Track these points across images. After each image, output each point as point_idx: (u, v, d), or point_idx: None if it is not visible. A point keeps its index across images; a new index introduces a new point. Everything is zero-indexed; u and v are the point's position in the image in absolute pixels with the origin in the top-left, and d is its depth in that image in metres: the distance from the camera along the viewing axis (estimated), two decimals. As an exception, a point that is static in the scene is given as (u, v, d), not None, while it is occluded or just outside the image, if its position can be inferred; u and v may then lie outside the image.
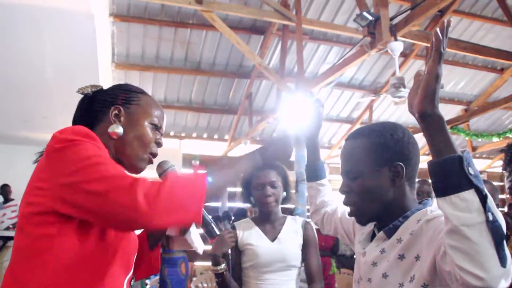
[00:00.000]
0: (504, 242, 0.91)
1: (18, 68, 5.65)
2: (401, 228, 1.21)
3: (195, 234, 1.45)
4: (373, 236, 1.32)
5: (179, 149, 9.26)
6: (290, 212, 5.07)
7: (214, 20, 5.31)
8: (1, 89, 5.95)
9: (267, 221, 2.31)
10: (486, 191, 0.91)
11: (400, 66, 7.63)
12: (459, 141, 10.26)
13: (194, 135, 9.33)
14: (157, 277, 6.06)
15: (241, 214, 7.44)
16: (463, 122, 7.89)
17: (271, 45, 7.29)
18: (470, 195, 0.90)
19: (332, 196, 1.76)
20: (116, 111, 1.24)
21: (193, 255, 7.79)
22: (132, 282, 1.29)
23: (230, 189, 9.41)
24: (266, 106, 8.55)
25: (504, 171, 2.23)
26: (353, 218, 1.47)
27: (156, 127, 1.30)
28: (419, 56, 7.80)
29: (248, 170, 1.27)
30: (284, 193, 2.31)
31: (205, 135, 9.42)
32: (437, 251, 1.02)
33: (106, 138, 1.20)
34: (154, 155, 1.29)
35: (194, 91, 8.24)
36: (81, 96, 1.30)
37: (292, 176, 7.04)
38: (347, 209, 1.33)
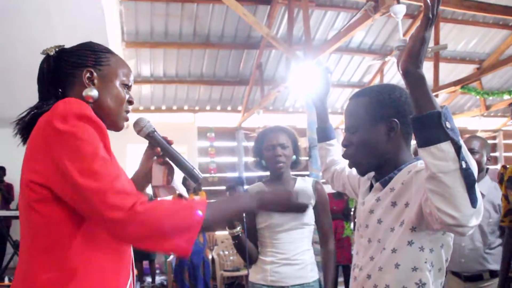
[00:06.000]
0: (476, 186, 1.04)
1: (28, 53, 5.73)
2: (394, 179, 1.35)
3: (178, 181, 1.50)
4: (371, 187, 1.46)
5: (194, 123, 9.41)
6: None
7: (219, -7, 5.34)
8: (12, 74, 6.06)
9: (278, 183, 2.38)
10: (461, 142, 1.04)
11: (408, 28, 7.59)
12: (472, 100, 10.19)
13: (208, 108, 9.44)
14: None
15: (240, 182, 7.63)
16: (474, 81, 7.81)
17: (278, 14, 7.28)
18: (446, 146, 1.03)
19: (340, 156, 1.90)
20: (88, 74, 1.24)
21: (213, 225, 8.02)
22: None
23: (247, 159, 9.58)
24: (276, 75, 8.59)
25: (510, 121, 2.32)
26: (358, 175, 1.63)
27: (127, 86, 1.32)
28: (428, 17, 7.71)
29: (245, 210, 1.28)
30: (294, 157, 2.40)
31: (218, 107, 9.53)
32: (422, 197, 1.15)
33: None
34: (128, 112, 1.32)
35: (204, 64, 8.31)
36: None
37: (305, 143, 7.15)
38: (348, 162, 1.47)
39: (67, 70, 1.25)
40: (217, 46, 7.86)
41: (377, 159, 1.38)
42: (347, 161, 1.79)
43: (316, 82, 1.91)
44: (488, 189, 2.65)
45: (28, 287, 1.11)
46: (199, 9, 7.07)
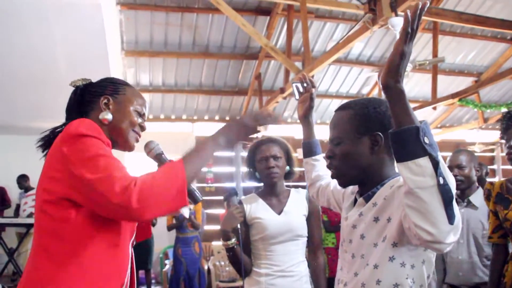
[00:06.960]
0: (454, 202, 1.03)
1: (28, 61, 5.69)
2: (377, 194, 1.34)
3: None
4: (355, 202, 1.45)
5: (192, 132, 9.39)
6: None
7: (218, 3, 5.36)
8: (11, 82, 6.03)
9: (272, 194, 2.39)
10: (439, 158, 1.03)
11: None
12: (470, 113, 10.20)
13: (206, 117, 9.44)
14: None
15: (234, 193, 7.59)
16: (472, 94, 7.81)
17: (277, 25, 7.32)
18: (424, 162, 1.03)
19: (326, 171, 1.89)
20: (105, 100, 1.44)
21: (209, 236, 7.99)
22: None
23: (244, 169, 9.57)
24: (275, 86, 8.59)
25: (502, 139, 2.31)
26: (343, 190, 1.62)
27: (140, 114, 1.50)
28: (426, 30, 7.75)
29: (215, 150, 1.39)
30: (287, 167, 2.41)
31: (217, 117, 9.52)
32: (402, 212, 1.14)
33: (99, 124, 1.37)
34: (139, 135, 1.50)
35: (203, 74, 8.32)
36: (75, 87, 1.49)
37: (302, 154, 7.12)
38: (331, 173, 1.46)
39: (90, 98, 1.45)
40: (216, 56, 7.89)
41: (359, 172, 1.37)
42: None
43: (300, 99, 1.91)
44: (481, 201, 2.64)
45: (29, 282, 1.26)
46: (198, 19, 7.10)
